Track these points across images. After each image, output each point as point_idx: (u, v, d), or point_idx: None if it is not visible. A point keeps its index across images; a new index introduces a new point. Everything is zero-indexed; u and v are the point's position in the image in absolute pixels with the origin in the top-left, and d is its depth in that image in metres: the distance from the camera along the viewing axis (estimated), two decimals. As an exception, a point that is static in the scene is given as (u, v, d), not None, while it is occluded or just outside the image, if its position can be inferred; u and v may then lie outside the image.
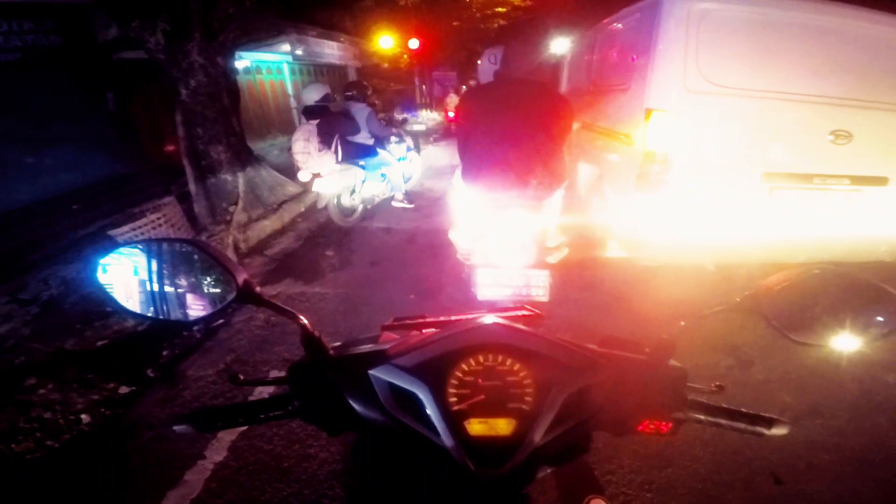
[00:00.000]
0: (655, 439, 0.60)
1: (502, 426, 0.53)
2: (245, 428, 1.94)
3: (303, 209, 5.49)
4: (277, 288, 3.45)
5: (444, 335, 0.57)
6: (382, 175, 5.02)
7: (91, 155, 6.06)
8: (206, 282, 0.65)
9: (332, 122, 4.41)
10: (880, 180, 2.65)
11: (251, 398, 2.09)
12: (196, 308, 0.65)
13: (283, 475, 1.77)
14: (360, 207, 4.81)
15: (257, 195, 5.07)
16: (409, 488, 0.62)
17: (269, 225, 4.73)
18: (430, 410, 0.52)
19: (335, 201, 4.49)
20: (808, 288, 0.62)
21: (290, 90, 12.92)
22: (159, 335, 2.73)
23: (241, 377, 0.64)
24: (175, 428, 0.59)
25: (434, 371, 0.54)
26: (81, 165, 5.91)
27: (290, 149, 4.64)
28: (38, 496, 1.78)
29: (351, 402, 0.56)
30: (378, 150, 4.90)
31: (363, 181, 4.73)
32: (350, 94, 4.74)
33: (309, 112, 4.51)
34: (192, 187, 4.81)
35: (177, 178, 5.28)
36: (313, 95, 4.47)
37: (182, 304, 0.65)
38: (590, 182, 3.48)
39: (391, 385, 0.55)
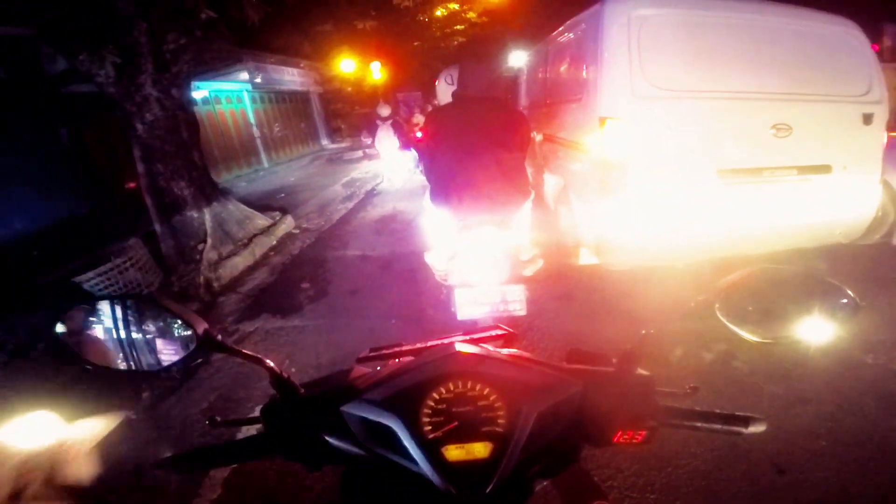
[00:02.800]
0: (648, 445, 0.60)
1: (479, 450, 0.53)
2: (237, 465, 1.88)
3: (274, 242, 5.37)
4: (255, 324, 3.36)
5: (410, 367, 0.58)
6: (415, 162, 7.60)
7: (47, 195, 5.77)
8: (176, 325, 0.64)
9: (393, 126, 7.49)
10: (824, 168, 2.81)
11: (239, 435, 2.03)
12: (168, 353, 0.64)
13: (283, 510, 1.72)
14: (400, 180, 7.88)
15: (226, 231, 4.93)
16: None
17: (240, 261, 4.61)
18: (406, 441, 0.52)
19: (390, 175, 7.95)
20: (761, 287, 0.63)
21: (252, 119, 12.58)
22: (137, 377, 2.61)
23: (219, 419, 0.64)
24: (156, 471, 0.58)
25: (405, 402, 0.55)
26: (37, 207, 5.61)
27: (371, 144, 7.89)
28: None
29: (327, 438, 0.56)
30: (410, 147, 7.56)
31: (401, 164, 7.87)
32: (392, 111, 8.01)
33: (381, 118, 7.53)
34: (157, 226, 4.65)
35: (140, 216, 5.08)
36: (385, 111, 7.52)
37: (153, 351, 0.65)
38: (556, 192, 3.56)
39: (364, 420, 0.55)
